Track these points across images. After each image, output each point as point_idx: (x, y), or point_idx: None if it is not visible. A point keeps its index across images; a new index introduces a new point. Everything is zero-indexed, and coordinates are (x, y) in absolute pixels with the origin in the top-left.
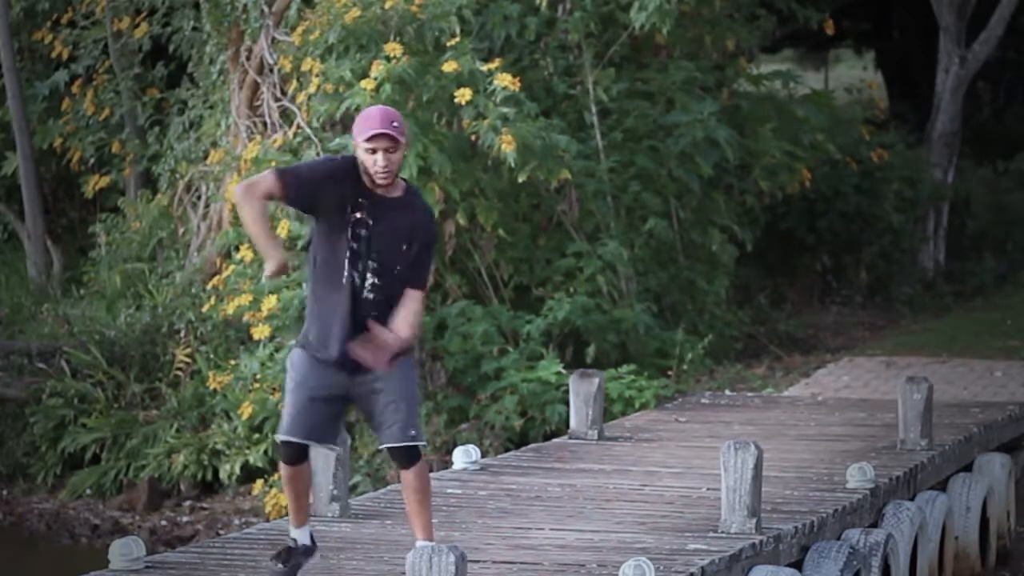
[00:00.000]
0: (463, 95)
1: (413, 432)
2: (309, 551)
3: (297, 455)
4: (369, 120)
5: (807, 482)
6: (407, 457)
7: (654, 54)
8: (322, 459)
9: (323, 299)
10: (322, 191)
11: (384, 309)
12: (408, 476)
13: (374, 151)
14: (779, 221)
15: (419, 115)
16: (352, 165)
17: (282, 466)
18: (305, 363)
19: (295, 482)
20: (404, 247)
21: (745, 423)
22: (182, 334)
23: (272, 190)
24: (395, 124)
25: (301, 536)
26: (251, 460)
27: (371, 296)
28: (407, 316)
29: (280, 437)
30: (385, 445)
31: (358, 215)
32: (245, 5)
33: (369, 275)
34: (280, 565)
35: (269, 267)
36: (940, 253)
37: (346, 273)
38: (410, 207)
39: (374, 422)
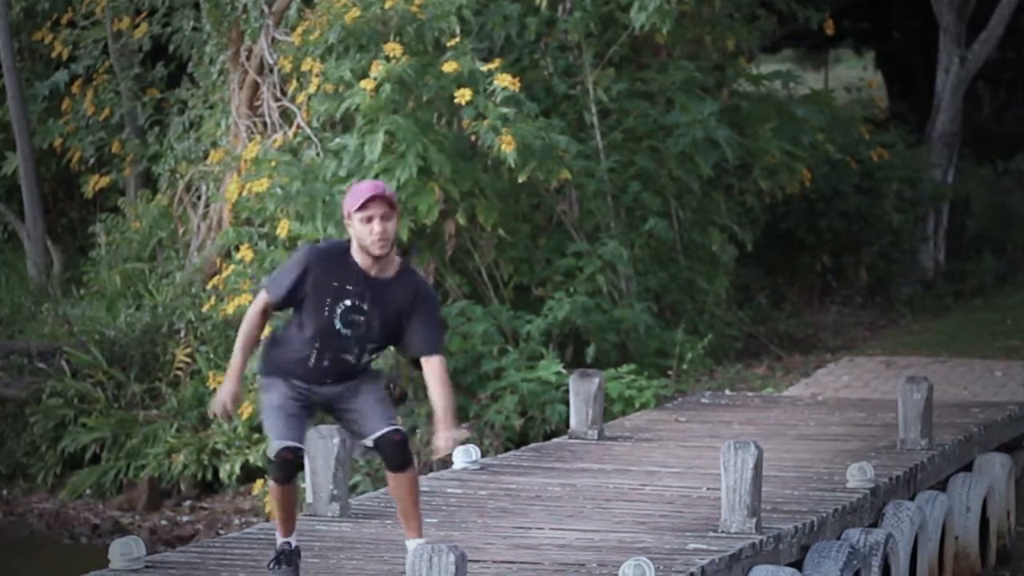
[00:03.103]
0: (463, 95)
1: (396, 420)
2: (299, 553)
3: (289, 471)
4: (360, 190)
5: (807, 482)
6: (402, 455)
7: (654, 54)
8: (322, 459)
9: (306, 353)
10: (303, 286)
11: (377, 356)
12: (404, 477)
13: (369, 219)
14: (779, 221)
15: (419, 115)
16: (342, 251)
17: (273, 486)
18: (283, 381)
19: (286, 498)
20: (403, 322)
21: (745, 423)
22: (182, 334)
23: (264, 303)
24: (387, 192)
25: (292, 540)
26: (251, 460)
27: (367, 360)
28: (443, 399)
29: (278, 445)
30: (380, 432)
31: (348, 302)
32: (245, 5)
33: (365, 355)
34: (285, 566)
35: (214, 403)
36: (940, 253)
37: (343, 355)
38: (405, 285)
39: (360, 425)
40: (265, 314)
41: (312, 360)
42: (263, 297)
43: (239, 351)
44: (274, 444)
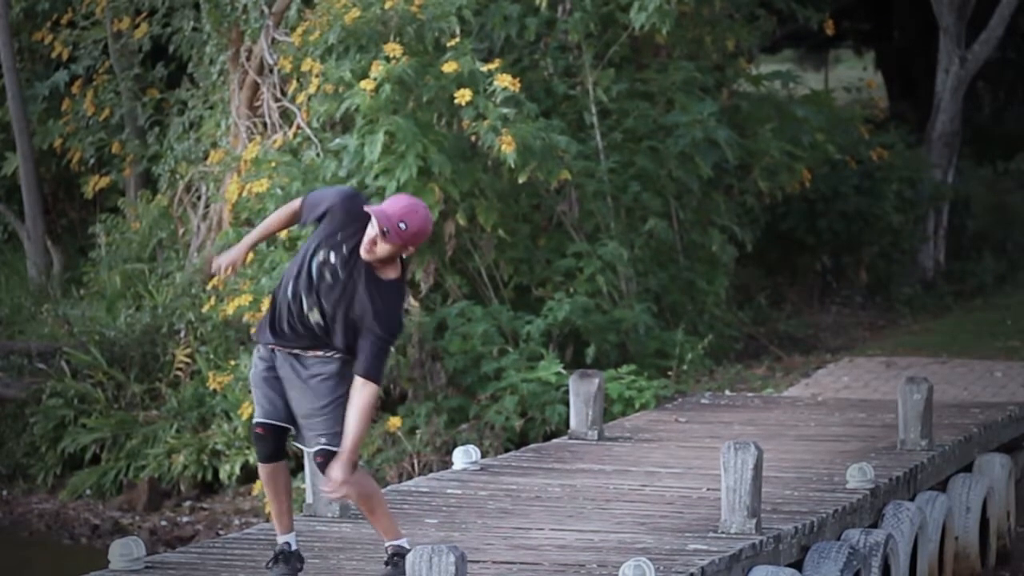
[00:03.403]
0: (463, 96)
1: (327, 439)
2: (300, 558)
3: (267, 448)
4: (388, 202)
5: (807, 482)
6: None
7: (654, 54)
8: None
9: (284, 296)
10: (322, 218)
11: (327, 336)
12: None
13: (372, 226)
14: (779, 221)
15: (419, 115)
16: (365, 221)
17: (260, 467)
18: (260, 351)
19: (275, 481)
20: (353, 319)
21: (745, 423)
22: (182, 334)
23: (295, 212)
24: (400, 224)
25: (292, 540)
26: (251, 460)
27: (315, 322)
28: (353, 431)
29: (252, 423)
30: (308, 449)
31: (332, 258)
32: (245, 5)
33: (314, 313)
34: (283, 565)
35: (214, 262)
36: (940, 253)
37: (300, 295)
38: (377, 296)
39: (300, 429)
40: (292, 219)
41: (284, 290)
42: (296, 207)
43: (256, 230)
44: (254, 420)
